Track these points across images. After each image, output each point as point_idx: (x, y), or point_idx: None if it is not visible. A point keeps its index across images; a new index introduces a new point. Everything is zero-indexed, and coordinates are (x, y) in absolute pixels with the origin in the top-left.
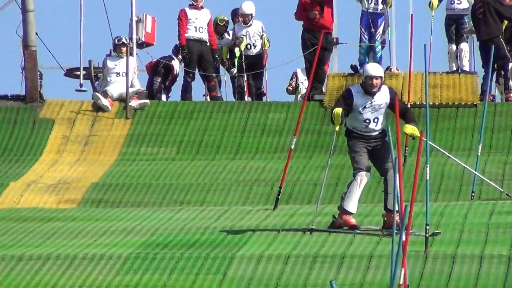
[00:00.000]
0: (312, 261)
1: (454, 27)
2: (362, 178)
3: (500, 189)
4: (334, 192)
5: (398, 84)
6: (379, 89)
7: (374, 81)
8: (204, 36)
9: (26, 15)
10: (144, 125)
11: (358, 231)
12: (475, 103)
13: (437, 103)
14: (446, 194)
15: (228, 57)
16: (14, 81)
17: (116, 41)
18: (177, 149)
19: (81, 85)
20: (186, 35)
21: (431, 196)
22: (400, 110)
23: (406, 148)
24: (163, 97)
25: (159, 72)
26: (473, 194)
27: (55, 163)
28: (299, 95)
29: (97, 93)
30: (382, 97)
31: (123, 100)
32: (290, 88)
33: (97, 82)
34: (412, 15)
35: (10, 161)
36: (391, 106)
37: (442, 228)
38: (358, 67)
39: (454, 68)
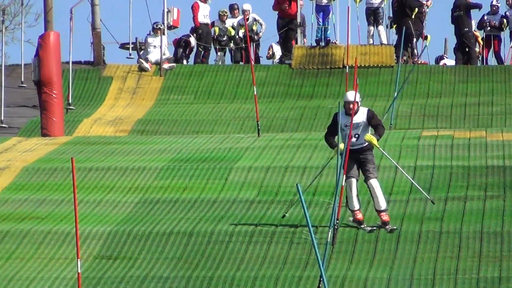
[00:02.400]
0: (284, 171)
1: (372, 16)
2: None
3: (428, 196)
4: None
5: (341, 52)
6: (357, 111)
7: (350, 105)
8: (207, 21)
9: (93, 8)
10: (172, 80)
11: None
12: (392, 65)
13: (366, 65)
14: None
15: (232, 34)
16: (86, 52)
17: (154, 25)
18: (194, 96)
19: (130, 54)
20: (199, 20)
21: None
22: (373, 124)
23: None
24: (184, 62)
25: (181, 45)
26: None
27: (113, 106)
28: (274, 60)
29: (141, 59)
30: (360, 117)
31: (158, 64)
32: (268, 56)
33: (141, 52)
34: (348, 7)
35: (83, 105)
36: (368, 123)
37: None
38: (320, 42)
39: (371, 42)
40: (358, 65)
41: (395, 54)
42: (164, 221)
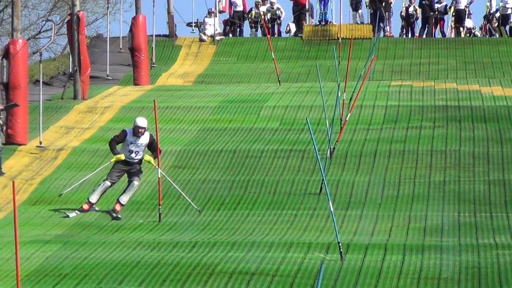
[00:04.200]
0: (297, 108)
1: (355, 4)
2: (105, 184)
3: (196, 207)
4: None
5: (336, 29)
6: (142, 134)
7: (141, 130)
8: (240, 8)
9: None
10: (221, 47)
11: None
12: (370, 37)
13: (353, 37)
14: None
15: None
16: (163, 28)
17: (209, 10)
18: (236, 58)
19: (193, 30)
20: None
21: None
22: (153, 149)
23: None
24: (230, 35)
25: (228, 24)
26: None
27: (182, 65)
28: (290, 34)
29: (200, 33)
30: (144, 139)
31: (212, 36)
32: (286, 31)
33: (200, 28)
34: None
35: (162, 64)
36: (149, 147)
37: None
38: (321, 22)
39: (358, 22)
40: (346, 37)
41: (372, 30)
42: (216, 143)
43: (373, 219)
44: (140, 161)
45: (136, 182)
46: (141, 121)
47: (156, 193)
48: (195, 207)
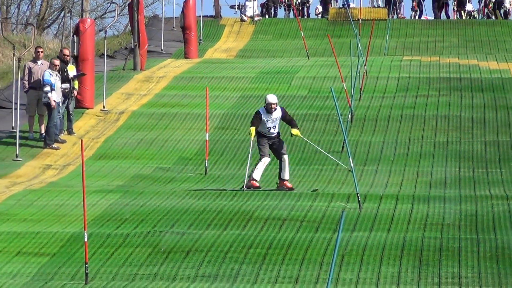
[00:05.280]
0: (323, 79)
1: None
2: (265, 160)
3: (341, 164)
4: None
5: (357, 11)
6: (275, 109)
7: (273, 105)
8: None
9: None
10: (259, 27)
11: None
12: (385, 18)
13: (370, 19)
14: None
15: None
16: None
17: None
18: (272, 36)
19: (235, 12)
20: None
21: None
22: (287, 120)
23: None
24: (267, 16)
25: (265, 7)
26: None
27: (225, 41)
28: (319, 15)
29: (242, 14)
30: (277, 114)
31: (252, 17)
32: (315, 13)
33: (242, 10)
34: None
35: (208, 40)
36: (283, 119)
37: None
38: (344, 5)
39: (375, 6)
40: (365, 19)
41: (387, 13)
42: (254, 108)
43: (386, 173)
44: (279, 134)
45: (285, 157)
46: (272, 98)
47: (203, 150)
48: (343, 166)
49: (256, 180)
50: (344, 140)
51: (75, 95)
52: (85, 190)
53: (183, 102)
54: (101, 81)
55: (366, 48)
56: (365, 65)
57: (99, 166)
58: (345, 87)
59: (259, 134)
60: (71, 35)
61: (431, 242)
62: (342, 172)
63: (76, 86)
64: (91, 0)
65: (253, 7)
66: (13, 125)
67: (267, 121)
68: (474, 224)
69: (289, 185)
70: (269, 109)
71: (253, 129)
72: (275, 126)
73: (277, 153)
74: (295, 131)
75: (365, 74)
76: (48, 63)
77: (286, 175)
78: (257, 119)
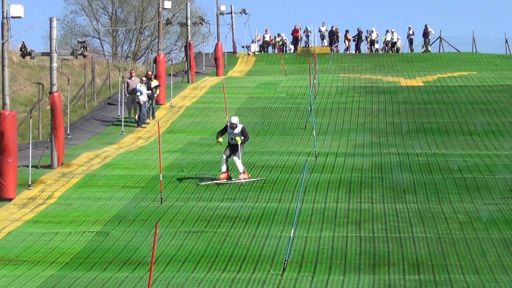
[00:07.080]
0: (297, 87)
1: (321, 36)
2: (224, 157)
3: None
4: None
5: (312, 49)
6: (236, 126)
7: (233, 124)
8: (267, 38)
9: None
10: (258, 58)
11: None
12: (329, 52)
13: (323, 52)
14: None
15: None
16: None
17: (252, 40)
18: (265, 63)
19: (244, 49)
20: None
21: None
22: (243, 135)
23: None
24: (262, 52)
25: (261, 46)
26: None
27: (239, 66)
28: (291, 51)
29: (248, 51)
30: (237, 130)
31: (254, 52)
32: (288, 50)
33: (248, 48)
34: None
35: (229, 66)
36: (242, 133)
37: None
38: (306, 45)
39: (324, 45)
40: (318, 53)
41: (330, 49)
42: (256, 104)
43: (331, 140)
44: (239, 144)
45: (234, 157)
46: (234, 119)
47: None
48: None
49: (222, 172)
50: (307, 120)
51: (156, 97)
52: (161, 149)
53: (215, 100)
54: (169, 88)
55: (318, 69)
56: (315, 79)
57: (168, 137)
58: (311, 90)
59: (227, 142)
60: (152, 63)
61: (356, 177)
62: (307, 140)
63: (158, 92)
64: (163, 43)
65: (255, 46)
66: (119, 114)
67: (230, 133)
68: (379, 167)
69: (244, 176)
70: (232, 126)
71: (218, 136)
72: (233, 139)
73: (233, 154)
74: (237, 139)
75: (318, 84)
76: (139, 79)
77: (240, 169)
78: (222, 131)
